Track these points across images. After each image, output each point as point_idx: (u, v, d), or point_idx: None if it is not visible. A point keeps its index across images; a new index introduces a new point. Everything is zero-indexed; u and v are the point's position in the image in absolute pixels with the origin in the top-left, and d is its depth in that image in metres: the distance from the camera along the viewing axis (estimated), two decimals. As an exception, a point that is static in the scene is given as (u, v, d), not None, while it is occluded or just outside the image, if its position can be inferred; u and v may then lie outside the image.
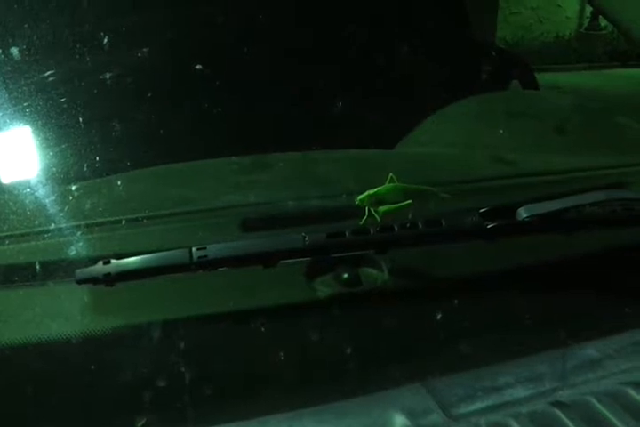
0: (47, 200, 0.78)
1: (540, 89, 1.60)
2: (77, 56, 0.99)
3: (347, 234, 0.66)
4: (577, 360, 0.64)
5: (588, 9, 5.44)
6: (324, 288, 0.70)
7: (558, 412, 0.56)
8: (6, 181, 0.86)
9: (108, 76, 0.99)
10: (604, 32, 5.29)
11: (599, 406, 0.57)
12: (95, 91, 0.99)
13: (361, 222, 0.71)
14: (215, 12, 1.16)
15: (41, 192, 0.79)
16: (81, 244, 0.71)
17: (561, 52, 5.12)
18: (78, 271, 0.64)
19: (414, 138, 1.11)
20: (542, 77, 1.67)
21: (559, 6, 5.78)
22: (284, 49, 1.17)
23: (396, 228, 0.67)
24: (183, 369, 0.62)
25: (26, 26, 0.98)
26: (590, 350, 0.65)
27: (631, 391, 0.58)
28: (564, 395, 0.59)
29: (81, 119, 0.89)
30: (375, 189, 0.72)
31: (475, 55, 1.53)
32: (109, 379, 0.62)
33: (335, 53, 1.24)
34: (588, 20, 5.75)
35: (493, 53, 1.67)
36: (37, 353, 0.63)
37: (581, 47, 5.39)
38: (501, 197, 0.84)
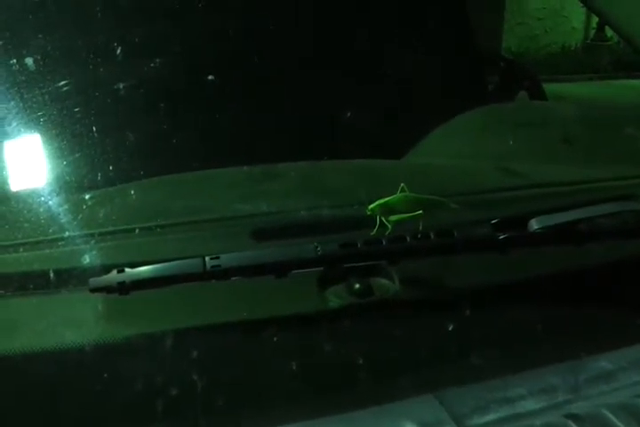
0: (61, 208, 0.78)
1: (548, 100, 1.61)
2: (91, 66, 1.00)
3: (359, 244, 0.66)
4: (590, 372, 0.63)
5: (594, 19, 5.45)
6: (335, 298, 0.70)
7: (572, 424, 0.56)
8: (21, 189, 0.87)
9: (120, 86, 0.99)
10: (610, 43, 5.30)
11: (613, 418, 0.56)
12: (109, 101, 0.99)
13: (373, 233, 0.71)
14: (225, 24, 1.17)
15: (55, 200, 0.79)
16: (94, 252, 0.71)
17: (567, 62, 5.13)
18: (92, 280, 0.64)
19: (423, 148, 1.11)
20: (548, 88, 1.68)
21: (565, 17, 5.80)
22: (295, 60, 1.18)
23: (407, 238, 0.67)
24: (195, 379, 0.62)
25: (40, 36, 1.00)
26: (604, 362, 0.65)
27: (645, 404, 0.58)
28: (578, 407, 0.59)
29: (94, 128, 0.90)
30: (386, 199, 0.73)
31: (482, 66, 1.54)
32: (121, 388, 0.62)
33: (344, 65, 1.24)
34: (594, 30, 5.76)
35: (501, 64, 1.68)
36: (50, 361, 0.63)
37: (588, 58, 5.40)
38: (512, 208, 0.84)
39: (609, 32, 5.02)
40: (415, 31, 1.37)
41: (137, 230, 0.75)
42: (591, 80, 4.65)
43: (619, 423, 0.56)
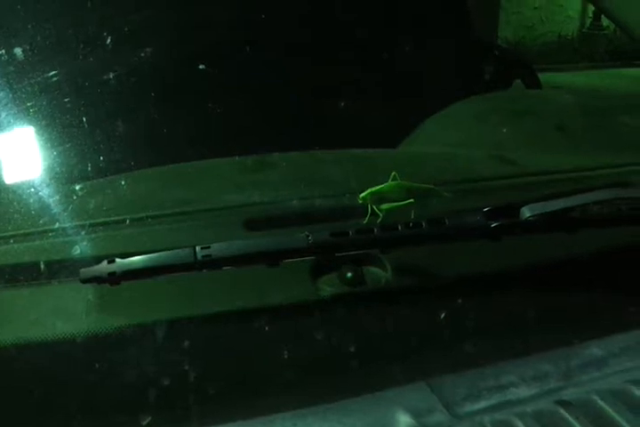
0: (52, 200, 0.78)
1: (543, 88, 1.60)
2: (81, 56, 0.99)
3: (350, 233, 0.66)
4: (581, 359, 0.64)
5: (590, 8, 5.44)
6: (327, 287, 0.70)
7: (563, 411, 0.56)
8: (11, 180, 0.86)
9: (111, 76, 0.99)
10: (605, 32, 5.29)
11: (604, 404, 0.57)
12: (100, 91, 0.99)
13: (364, 221, 0.71)
14: (218, 13, 1.16)
15: (45, 192, 0.79)
16: (85, 243, 0.71)
17: (563, 51, 5.12)
18: (82, 270, 0.63)
19: (417, 137, 1.11)
20: (544, 77, 1.67)
21: (561, 6, 5.78)
22: (288, 49, 1.17)
23: (399, 227, 0.67)
24: (187, 368, 0.62)
25: (29, 26, 0.99)
26: (595, 348, 0.65)
27: (635, 390, 0.58)
28: (569, 394, 0.59)
29: (85, 119, 0.89)
30: (378, 187, 0.72)
31: (477, 55, 1.53)
32: (114, 378, 0.62)
33: (338, 53, 1.24)
34: (590, 19, 5.74)
35: (496, 53, 1.67)
36: (42, 352, 0.63)
37: (583, 47, 5.38)
38: (504, 196, 0.84)
39: (605, 21, 5.00)
40: (411, 20, 1.36)
41: (128, 221, 0.75)
42: (587, 69, 4.64)
43: (609, 409, 0.56)
